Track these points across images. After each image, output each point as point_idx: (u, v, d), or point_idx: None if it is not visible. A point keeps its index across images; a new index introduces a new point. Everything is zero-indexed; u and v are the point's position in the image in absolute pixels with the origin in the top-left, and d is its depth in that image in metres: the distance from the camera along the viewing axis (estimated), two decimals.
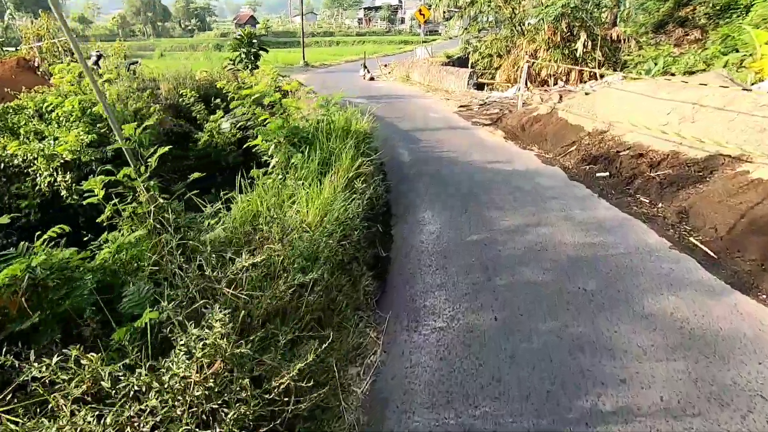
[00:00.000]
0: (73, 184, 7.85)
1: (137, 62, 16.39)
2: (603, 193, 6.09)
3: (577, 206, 5.64)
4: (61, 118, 8.61)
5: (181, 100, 12.29)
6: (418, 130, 10.27)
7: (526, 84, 10.26)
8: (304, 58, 27.78)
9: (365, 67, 21.98)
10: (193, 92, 12.54)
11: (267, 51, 14.39)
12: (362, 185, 5.14)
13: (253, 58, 13.79)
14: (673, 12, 19.57)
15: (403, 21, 70.63)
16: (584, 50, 17.52)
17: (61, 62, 16.45)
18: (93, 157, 7.81)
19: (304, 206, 4.21)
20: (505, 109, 11.74)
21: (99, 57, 16.17)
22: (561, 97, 11.65)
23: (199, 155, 11.89)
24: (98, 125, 8.58)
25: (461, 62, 31.37)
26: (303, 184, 4.87)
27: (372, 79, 20.72)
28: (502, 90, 17.85)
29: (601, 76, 17.14)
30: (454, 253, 4.60)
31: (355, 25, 68.80)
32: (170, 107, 13.59)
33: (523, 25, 20.95)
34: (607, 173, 6.70)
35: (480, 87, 17.35)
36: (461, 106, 12.95)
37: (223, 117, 13.69)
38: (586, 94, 10.91)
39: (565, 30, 18.00)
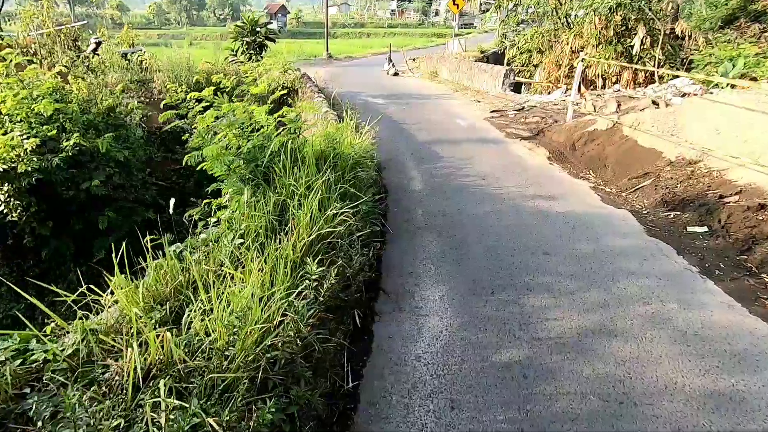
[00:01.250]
0: (12, 200, 6.28)
1: (140, 50, 14.95)
2: (707, 268, 3.95)
3: (672, 295, 3.54)
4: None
5: (167, 96, 10.65)
6: (439, 143, 8.23)
7: (579, 89, 8.09)
8: (327, 50, 25.93)
9: (390, 61, 19.92)
10: (183, 87, 10.87)
11: (274, 41, 12.62)
12: (332, 256, 3.22)
13: (257, 49, 12.05)
14: (746, 5, 16.65)
15: (437, 13, 67.72)
16: (641, 47, 14.99)
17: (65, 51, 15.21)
18: (34, 167, 6.17)
19: (210, 318, 2.32)
20: (548, 117, 9.53)
21: (98, 44, 14.79)
22: (619, 104, 9.34)
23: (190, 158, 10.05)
24: (45, 127, 6.91)
25: (496, 58, 28.89)
26: (241, 250, 3.01)
27: (396, 74, 18.66)
28: (542, 92, 15.49)
29: (660, 78, 14.60)
30: (475, 387, 2.63)
31: (387, 17, 66.37)
32: (164, 103, 12.00)
33: (569, 17, 18.45)
34: (706, 228, 4.54)
35: (517, 87, 15.05)
36: (494, 111, 10.79)
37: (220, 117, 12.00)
38: (655, 104, 8.59)
39: (619, 23, 15.45)
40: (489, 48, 30.45)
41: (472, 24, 55.60)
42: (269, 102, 5.11)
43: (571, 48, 15.79)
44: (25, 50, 14.39)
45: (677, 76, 14.15)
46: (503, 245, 4.43)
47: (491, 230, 4.77)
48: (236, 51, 12.00)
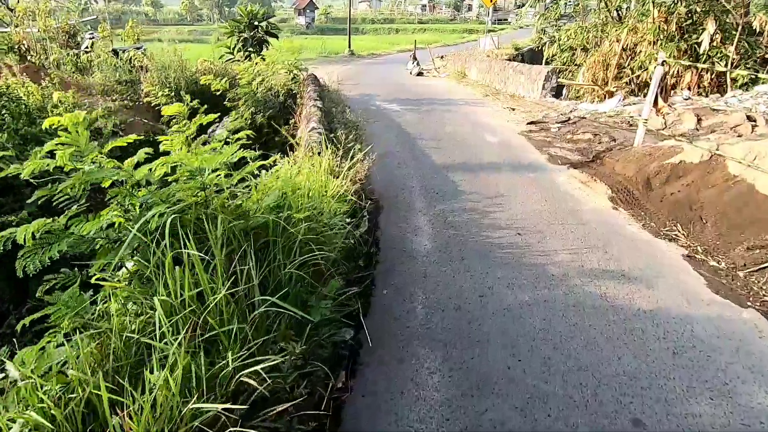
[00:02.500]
0: None
1: (141, 47, 13.55)
2: None
3: None
4: None
5: (148, 100, 9.07)
6: (461, 169, 6.26)
7: (656, 101, 5.92)
8: (349, 47, 24.14)
9: (414, 59, 17.91)
10: (165, 90, 9.29)
11: (276, 36, 10.90)
12: None
13: (257, 46, 10.37)
14: None
15: (470, 8, 64.75)
16: (710, 44, 12.49)
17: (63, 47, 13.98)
18: None
19: None
20: (603, 135, 7.38)
21: (93, 41, 13.50)
22: (699, 119, 7.10)
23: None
24: None
25: (532, 56, 26.35)
26: None
27: (420, 74, 16.65)
28: (585, 95, 13.18)
29: (734, 81, 12.06)
30: None
31: (418, 12, 63.92)
32: (150, 106, 10.48)
33: (620, 10, 15.99)
34: None
35: (558, 91, 12.81)
36: (532, 123, 8.70)
37: (217, 123, 10.40)
38: (751, 120, 6.34)
39: (684, 17, 12.96)
40: (524, 45, 27.91)
41: (506, 19, 52.53)
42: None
43: (622, 45, 13.42)
44: (17, 47, 13.23)
45: (758, 79, 11.56)
46: (557, 395, 2.48)
47: (536, 351, 2.82)
48: (232, 48, 10.38)
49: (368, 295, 3.45)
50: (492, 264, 3.84)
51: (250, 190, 2.94)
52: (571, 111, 9.22)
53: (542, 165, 6.42)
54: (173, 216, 2.29)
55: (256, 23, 10.22)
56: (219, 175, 2.53)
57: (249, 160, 3.09)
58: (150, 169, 2.50)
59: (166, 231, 2.13)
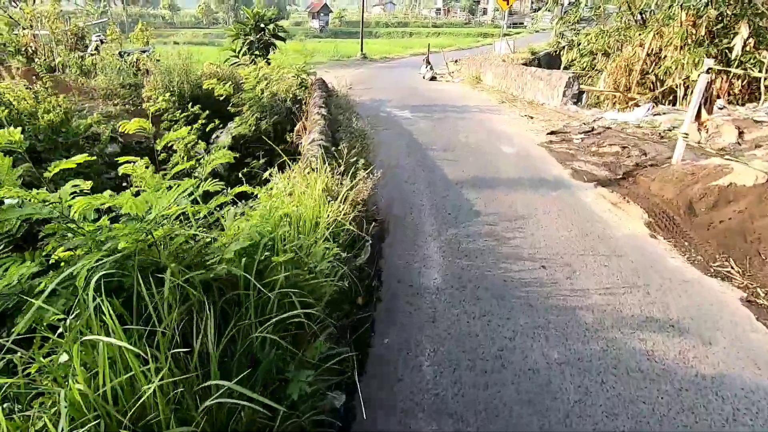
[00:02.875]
0: None
1: (149, 50, 13.24)
2: None
3: None
4: None
5: (147, 105, 8.66)
6: (476, 185, 5.69)
7: (698, 114, 5.24)
8: (362, 50, 23.70)
9: (428, 63, 17.34)
10: (166, 95, 8.88)
11: (284, 39, 10.43)
12: None
13: (264, 49, 9.93)
14: None
15: (485, 12, 63.94)
16: (743, 49, 11.73)
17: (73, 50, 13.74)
18: None
19: None
20: (633, 148, 6.74)
21: (101, 42, 13.22)
22: (741, 132, 6.42)
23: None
24: None
25: (549, 60, 25.60)
26: None
27: (433, 78, 16.08)
28: (610, 105, 12.48)
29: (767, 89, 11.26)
30: None
31: (432, 16, 63.34)
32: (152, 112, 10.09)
33: (644, 13, 15.24)
34: None
35: (577, 98, 12.13)
36: (553, 133, 8.07)
37: (220, 129, 9.99)
38: None
39: (714, 20, 12.21)
40: (540, 49, 27.15)
41: (522, 23, 51.64)
42: None
43: (647, 50, 12.73)
44: (23, 49, 13.02)
45: None
46: None
47: None
48: (237, 51, 9.96)
49: (366, 345, 2.90)
50: (513, 306, 3.26)
51: (222, 228, 2.41)
52: (594, 120, 8.56)
53: (566, 181, 5.80)
54: (108, 269, 1.78)
55: (262, 26, 9.79)
56: (169, 216, 2.01)
57: (225, 190, 2.57)
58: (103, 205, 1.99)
59: (90, 291, 1.61)
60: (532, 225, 4.57)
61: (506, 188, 5.58)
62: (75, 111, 8.72)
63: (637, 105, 10.30)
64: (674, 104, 11.98)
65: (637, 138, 7.17)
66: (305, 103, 8.97)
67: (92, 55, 12.29)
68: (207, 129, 9.72)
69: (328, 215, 3.23)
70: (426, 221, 4.70)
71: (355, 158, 5.13)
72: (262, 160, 9.04)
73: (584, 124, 8.43)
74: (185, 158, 8.07)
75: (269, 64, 9.30)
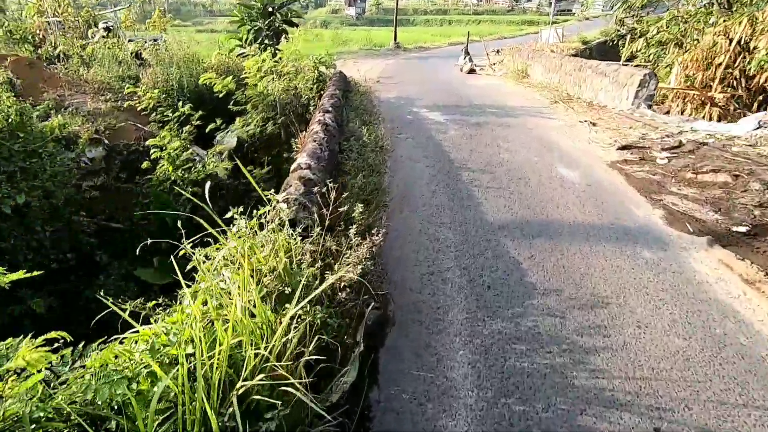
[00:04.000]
0: None
1: (160, 38, 12.05)
2: None
3: None
4: None
5: (130, 103, 7.34)
6: (528, 237, 3.96)
7: None
8: (395, 39, 21.86)
9: (467, 53, 15.36)
10: (155, 91, 7.54)
11: (296, 26, 8.87)
12: None
13: (274, 38, 8.43)
14: None
15: None
16: None
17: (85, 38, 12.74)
18: None
19: None
20: (746, 173, 4.79)
21: (108, 30, 12.13)
22: None
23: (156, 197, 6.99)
24: None
25: (602, 51, 22.90)
26: None
27: (472, 71, 14.12)
28: (688, 107, 10.22)
29: None
30: None
31: (473, 3, 60.06)
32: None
33: None
34: None
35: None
36: (626, 149, 6.16)
37: (225, 129, 8.64)
38: None
39: None
40: (593, 38, 24.44)
41: (570, 10, 47.81)
42: None
43: (737, 40, 10.39)
44: (31, 36, 12.11)
45: None
46: None
47: None
48: (244, 40, 8.49)
49: None
50: None
51: None
52: (680, 132, 6.55)
53: (660, 232, 3.98)
54: None
55: (271, 10, 8.27)
56: None
57: None
58: None
59: None
60: (622, 322, 2.84)
61: (572, 242, 3.83)
62: (50, 109, 7.56)
63: (711, 104, 8.13)
64: None
65: (752, 161, 5.18)
66: (316, 100, 7.42)
67: (99, 41, 11.22)
68: (207, 130, 8.41)
69: (269, 347, 1.67)
70: (452, 303, 3.05)
71: (353, 198, 3.54)
72: (265, 169, 7.62)
73: (667, 136, 6.45)
74: (170, 168, 6.75)
75: (276, 55, 7.78)
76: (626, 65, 11.72)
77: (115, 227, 7.25)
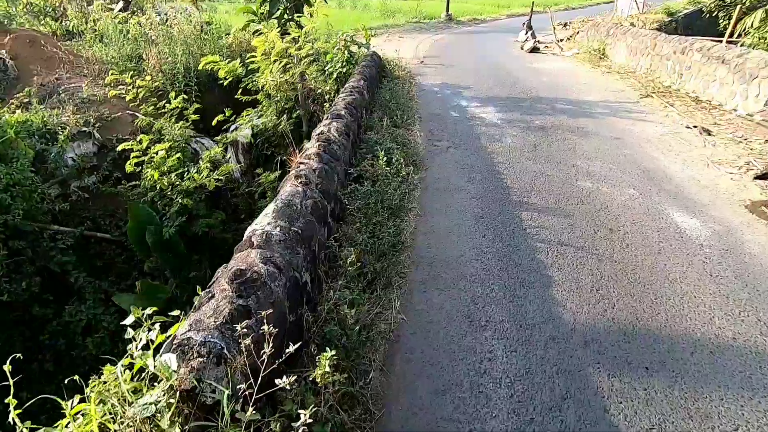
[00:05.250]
0: None
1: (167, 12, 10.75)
2: None
3: None
4: None
5: (114, 93, 6.07)
6: (637, 365, 2.29)
7: None
8: (447, 10, 19.49)
9: (529, 27, 13.01)
10: (146, 78, 6.25)
11: None
12: None
13: (293, 10, 6.88)
14: None
15: None
16: None
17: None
18: None
19: None
20: None
21: (127, 3, 10.99)
22: None
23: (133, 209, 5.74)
24: None
25: (688, 24, 19.38)
26: None
27: (535, 50, 11.84)
28: None
29: None
30: None
31: None
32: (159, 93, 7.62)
33: None
34: None
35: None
36: (766, 178, 4.17)
37: (235, 122, 7.31)
38: None
39: None
40: (680, 8, 20.76)
41: None
42: None
43: None
44: (52, 9, 11.21)
45: None
46: None
47: None
48: (260, 16, 7.01)
49: None
50: None
51: None
52: None
53: None
54: None
55: None
56: None
57: None
58: None
59: None
60: None
61: (722, 393, 2.12)
62: (29, 96, 6.49)
63: None
64: None
65: None
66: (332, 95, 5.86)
67: (125, 12, 10.13)
68: (213, 123, 7.10)
69: None
70: None
71: (345, 280, 2.03)
72: (275, 173, 6.22)
73: None
74: (155, 175, 5.49)
75: (300, 28, 6.22)
76: (731, 44, 9.13)
77: (101, 237, 6.18)
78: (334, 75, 7.51)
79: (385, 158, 3.75)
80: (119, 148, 5.08)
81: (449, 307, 2.71)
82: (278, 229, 2.26)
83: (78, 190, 6.34)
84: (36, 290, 5.08)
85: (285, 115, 6.86)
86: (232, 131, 7.47)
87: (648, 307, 2.68)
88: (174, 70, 7.60)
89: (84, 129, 6.44)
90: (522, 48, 12.19)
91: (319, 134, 3.63)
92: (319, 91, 6.01)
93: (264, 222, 2.31)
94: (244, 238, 2.24)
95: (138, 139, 5.02)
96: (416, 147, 4.99)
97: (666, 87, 7.33)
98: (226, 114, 6.96)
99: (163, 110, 6.28)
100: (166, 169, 5.47)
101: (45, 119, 6.19)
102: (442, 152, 5.00)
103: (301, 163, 3.02)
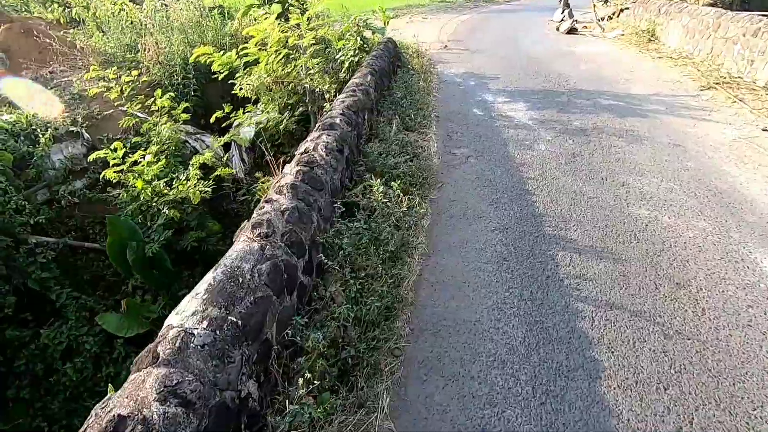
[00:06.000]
0: None
1: None
2: None
3: None
4: None
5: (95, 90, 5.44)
6: None
7: None
8: None
9: (566, 5, 11.68)
10: (133, 73, 5.62)
11: None
12: None
13: None
14: None
15: None
16: None
17: None
18: None
19: None
20: None
21: None
22: None
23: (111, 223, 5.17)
24: None
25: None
26: None
27: (572, 31, 10.60)
28: None
29: None
30: None
31: None
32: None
33: None
34: None
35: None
36: None
37: (239, 119, 6.69)
38: None
39: None
40: None
41: None
42: None
43: None
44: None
45: None
46: None
47: None
48: None
49: None
50: None
51: None
52: None
53: None
54: None
55: None
56: None
57: None
58: None
59: None
60: None
61: None
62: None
63: None
64: None
65: None
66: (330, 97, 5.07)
67: (116, 2, 9.55)
68: (211, 120, 6.47)
69: None
70: None
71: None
72: (270, 182, 5.55)
73: None
74: (139, 185, 4.93)
75: (302, 13, 5.45)
76: None
77: (89, 247, 5.70)
78: (346, 64, 6.76)
79: (381, 188, 2.95)
80: (90, 158, 4.48)
81: (456, 410, 1.97)
82: (205, 323, 1.56)
83: (67, 195, 5.86)
84: (9, 312, 4.62)
85: (287, 112, 6.14)
86: (235, 128, 6.83)
87: (743, 424, 1.87)
88: (171, 61, 6.97)
89: (72, 128, 5.93)
90: (558, 29, 10.94)
91: (301, 154, 2.89)
92: (320, 88, 5.23)
93: (188, 310, 1.61)
94: (155, 341, 1.54)
95: (113, 147, 4.41)
96: (429, 158, 4.18)
97: (732, 77, 6.16)
98: (225, 110, 6.30)
99: (153, 108, 5.67)
100: (150, 177, 4.87)
101: (29, 119, 5.68)
102: (461, 163, 4.18)
103: (267, 202, 2.30)
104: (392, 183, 3.07)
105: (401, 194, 3.01)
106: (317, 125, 3.43)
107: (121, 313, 4.91)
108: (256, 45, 5.15)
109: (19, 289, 4.92)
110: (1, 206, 4.59)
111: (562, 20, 11.29)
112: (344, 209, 2.78)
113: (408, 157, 3.95)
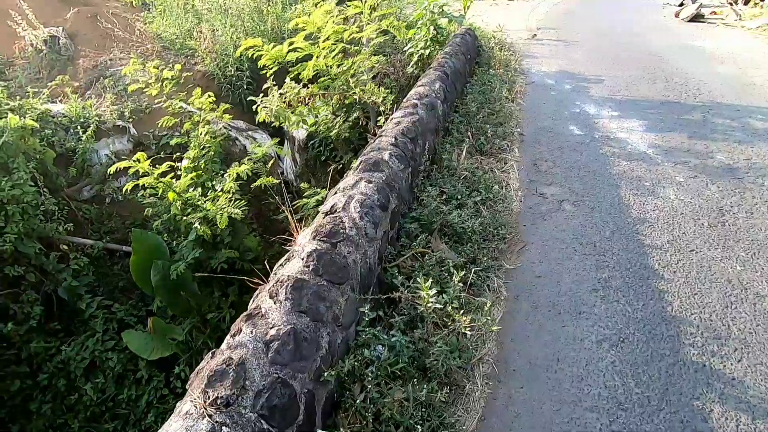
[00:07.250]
0: None
1: None
2: None
3: None
4: None
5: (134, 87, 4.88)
6: None
7: None
8: None
9: None
10: (177, 68, 5.01)
11: None
12: None
13: None
14: None
15: None
16: None
17: None
18: None
19: None
20: None
21: None
22: None
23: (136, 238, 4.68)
24: None
25: None
26: None
27: (697, 17, 8.55)
28: None
29: None
30: None
31: None
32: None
33: None
34: None
35: None
36: None
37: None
38: None
39: None
40: None
41: None
42: None
43: None
44: None
45: None
46: None
47: None
48: None
49: None
50: None
51: None
52: None
53: None
54: None
55: None
56: None
57: None
58: None
59: None
60: None
61: None
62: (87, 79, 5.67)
63: None
64: None
65: None
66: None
67: None
68: (260, 119, 5.80)
69: None
70: None
71: None
72: (322, 193, 4.77)
73: None
74: (171, 197, 4.34)
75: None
76: None
77: (127, 252, 5.36)
78: (415, 57, 5.78)
79: (432, 288, 1.92)
80: (111, 170, 3.95)
81: None
82: None
83: (113, 193, 5.54)
84: (34, 324, 4.33)
85: (342, 116, 5.31)
86: (291, 126, 6.14)
87: None
88: (226, 50, 6.38)
89: (119, 123, 5.56)
90: (677, 15, 8.92)
91: (325, 214, 2.00)
92: (372, 100, 4.25)
93: None
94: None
95: (135, 158, 3.84)
96: (508, 199, 3.11)
97: None
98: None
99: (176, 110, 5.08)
100: (181, 189, 4.29)
101: (78, 112, 5.37)
102: (552, 211, 3.06)
103: (247, 319, 1.44)
104: (449, 287, 2.02)
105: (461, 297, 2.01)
106: (358, 162, 2.51)
107: (147, 332, 4.46)
108: (305, 39, 4.30)
109: (49, 296, 4.66)
110: (29, 210, 4.27)
111: (682, 4, 9.22)
112: (374, 315, 1.85)
113: (479, 197, 2.92)
